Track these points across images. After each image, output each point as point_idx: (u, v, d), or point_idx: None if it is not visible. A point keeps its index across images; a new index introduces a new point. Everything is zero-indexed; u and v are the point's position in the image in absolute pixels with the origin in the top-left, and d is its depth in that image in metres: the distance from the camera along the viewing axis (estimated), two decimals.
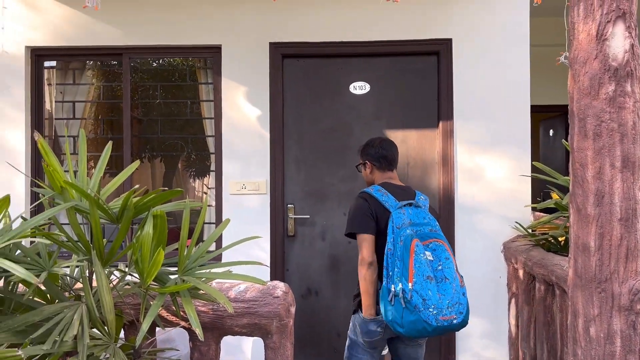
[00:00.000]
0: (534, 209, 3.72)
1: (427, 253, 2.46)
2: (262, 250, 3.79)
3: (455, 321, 2.39)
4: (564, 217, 3.17)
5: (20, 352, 1.37)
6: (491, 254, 3.73)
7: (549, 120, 7.05)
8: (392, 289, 2.40)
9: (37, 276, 1.51)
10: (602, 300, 2.09)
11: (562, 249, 3.21)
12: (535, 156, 6.67)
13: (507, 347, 3.68)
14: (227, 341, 3.62)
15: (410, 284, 2.36)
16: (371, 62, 3.91)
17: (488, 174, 3.77)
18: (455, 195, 3.78)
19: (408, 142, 3.88)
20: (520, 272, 3.40)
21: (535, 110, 5.98)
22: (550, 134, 7.02)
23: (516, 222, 3.57)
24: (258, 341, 3.66)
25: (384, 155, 2.77)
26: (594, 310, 2.11)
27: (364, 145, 2.89)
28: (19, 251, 1.69)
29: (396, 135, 3.88)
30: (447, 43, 3.80)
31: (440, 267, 2.46)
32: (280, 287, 2.20)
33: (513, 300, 3.58)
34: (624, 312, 2.06)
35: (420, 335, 2.40)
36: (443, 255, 2.48)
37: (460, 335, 3.73)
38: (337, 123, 3.91)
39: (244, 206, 3.83)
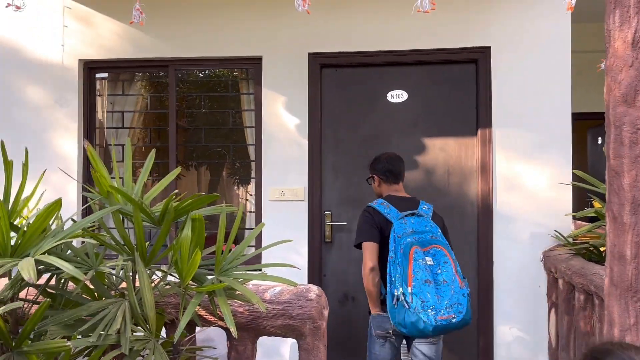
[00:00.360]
0: (574, 218, 3.67)
1: (428, 258, 2.67)
2: (300, 256, 3.87)
3: (454, 320, 2.58)
4: (605, 225, 3.12)
5: (69, 344, 1.48)
6: (531, 262, 3.69)
7: (597, 128, 6.88)
8: (395, 293, 2.63)
9: (85, 274, 1.62)
10: (638, 310, 2.06)
11: (602, 258, 3.16)
12: (583, 164, 6.54)
13: (546, 356, 3.63)
14: (265, 343, 3.71)
15: (409, 288, 2.59)
16: (409, 70, 3.95)
17: (528, 182, 3.74)
18: (494, 203, 3.76)
19: (446, 150, 3.90)
20: (560, 282, 3.35)
21: (584, 117, 5.87)
22: (599, 142, 6.85)
23: (556, 231, 3.53)
24: (295, 344, 3.73)
25: (389, 169, 3.01)
26: (630, 319, 2.08)
27: (372, 160, 3.11)
28: (69, 251, 1.82)
29: (434, 143, 3.90)
30: (485, 51, 3.80)
31: (439, 271, 2.67)
32: (313, 290, 2.27)
33: (553, 310, 3.53)
34: None
35: (422, 335, 2.61)
36: (442, 259, 2.70)
37: (499, 342, 3.70)
38: (375, 131, 3.97)
39: (282, 212, 3.92)
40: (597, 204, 3.34)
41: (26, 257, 1.53)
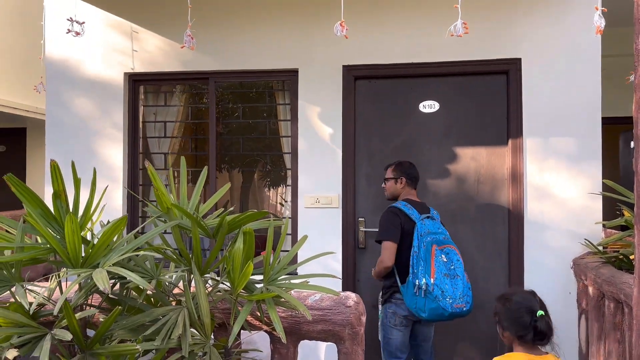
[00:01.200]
0: (604, 227, 3.72)
1: (442, 256, 3.17)
2: (335, 261, 4.01)
3: (464, 309, 3.12)
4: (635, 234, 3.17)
5: (138, 347, 1.65)
6: (561, 270, 3.76)
7: (629, 132, 6.85)
8: (417, 283, 3.11)
9: (149, 283, 1.79)
10: None
11: (632, 267, 3.21)
12: (615, 168, 6.52)
13: None
14: (302, 344, 3.86)
15: (432, 279, 3.09)
16: (441, 81, 4.05)
17: (558, 190, 3.80)
18: (525, 211, 3.84)
19: (478, 159, 3.99)
20: (590, 289, 3.42)
21: (616, 122, 5.87)
22: (631, 146, 6.82)
23: (586, 239, 3.59)
24: (331, 346, 3.87)
25: (415, 175, 3.49)
26: None
27: (397, 163, 3.53)
28: (131, 261, 1.99)
29: (465, 153, 3.99)
30: (516, 62, 3.88)
31: (452, 267, 3.17)
32: (352, 297, 2.40)
33: (583, 317, 3.60)
34: None
35: (439, 319, 3.15)
36: (455, 257, 3.20)
37: None
38: (407, 141, 4.08)
39: (317, 219, 4.07)
40: (627, 213, 3.39)
41: (98, 269, 1.70)
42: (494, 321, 2.39)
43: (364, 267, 4.09)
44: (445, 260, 3.17)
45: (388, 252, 3.25)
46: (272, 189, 4.56)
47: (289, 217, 4.25)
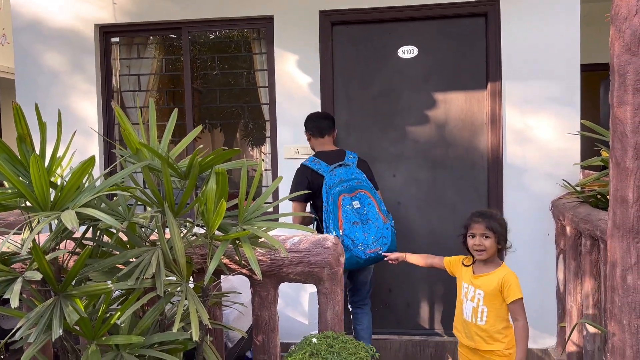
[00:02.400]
0: (582, 167, 3.75)
1: (355, 202, 3.20)
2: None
3: (380, 252, 3.17)
4: None
5: (110, 285, 1.63)
6: (540, 212, 3.80)
7: (609, 80, 6.84)
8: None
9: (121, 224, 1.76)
10: None
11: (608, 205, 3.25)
12: (595, 115, 6.54)
13: (554, 301, 3.77)
14: (286, 293, 3.90)
15: (340, 231, 3.15)
16: (418, 26, 3.98)
17: (537, 133, 3.81)
18: (504, 155, 3.84)
19: (457, 104, 3.96)
20: (568, 229, 3.46)
21: (595, 68, 5.85)
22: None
23: (564, 180, 3.62)
24: (313, 295, 3.91)
25: (318, 125, 3.47)
26: (632, 259, 2.19)
27: (305, 119, 3.56)
28: (103, 204, 1.96)
29: (445, 98, 3.96)
30: (494, 4, 3.82)
31: (365, 212, 3.20)
32: (330, 239, 2.40)
33: (561, 257, 3.66)
34: None
35: (356, 267, 3.21)
36: (366, 202, 3.22)
37: None
38: (386, 87, 4.03)
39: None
40: (604, 153, 3.41)
41: (66, 210, 1.67)
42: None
43: None
44: (358, 206, 3.20)
45: (294, 209, 3.36)
46: (253, 144, 4.51)
47: (269, 170, 4.22)
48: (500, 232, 2.55)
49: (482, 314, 2.55)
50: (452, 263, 2.82)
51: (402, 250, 3.96)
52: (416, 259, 2.96)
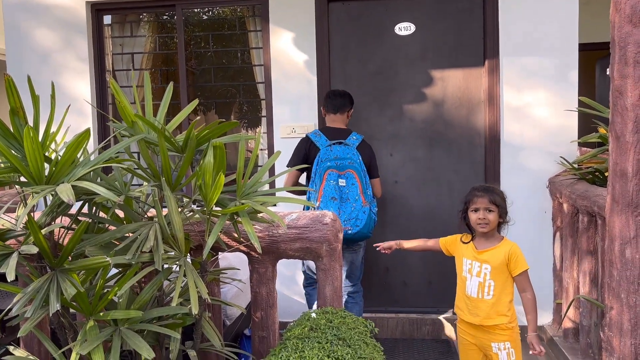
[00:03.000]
0: (580, 144, 3.74)
1: (341, 180, 3.28)
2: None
3: (349, 232, 3.23)
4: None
5: (108, 259, 1.61)
6: (537, 190, 3.79)
7: (606, 59, 6.82)
8: (310, 207, 3.24)
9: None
10: (638, 224, 2.17)
11: (606, 182, 3.24)
12: (591, 94, 6.52)
13: (551, 278, 3.78)
14: (282, 273, 3.89)
15: (318, 203, 3.25)
16: (415, 2, 3.93)
17: (534, 111, 3.79)
18: (502, 132, 3.83)
19: (454, 81, 3.93)
20: (565, 206, 3.46)
21: (592, 47, 5.82)
22: (607, 73, 6.81)
23: (561, 157, 3.61)
24: None
25: (333, 103, 3.50)
26: (630, 233, 2.20)
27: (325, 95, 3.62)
28: (99, 179, 1.93)
29: (442, 75, 3.93)
30: None
31: (347, 191, 3.27)
32: (328, 215, 2.38)
33: (558, 234, 3.66)
34: None
35: None
36: (351, 182, 3.28)
37: None
38: (383, 65, 3.99)
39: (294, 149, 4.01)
40: (602, 130, 3.40)
41: (62, 184, 1.64)
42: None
43: None
44: (342, 184, 3.28)
45: (288, 176, 3.44)
46: (248, 124, 4.47)
47: (265, 149, 4.19)
48: (502, 206, 2.59)
49: (489, 288, 2.57)
50: (449, 242, 2.82)
51: (399, 230, 3.97)
52: (411, 244, 2.94)
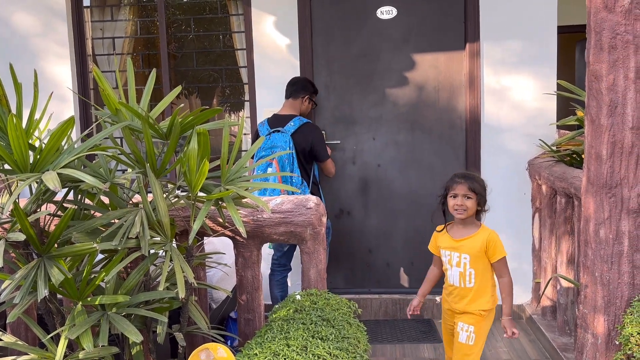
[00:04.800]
0: (558, 127, 3.81)
1: (270, 169, 3.36)
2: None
3: None
4: None
5: (95, 245, 1.63)
6: (517, 172, 3.87)
7: (585, 41, 6.88)
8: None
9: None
10: (612, 205, 2.24)
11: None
12: (571, 77, 6.60)
13: (530, 258, 3.88)
14: (267, 258, 3.93)
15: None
16: None
17: (514, 94, 3.84)
18: (482, 115, 3.88)
19: (436, 65, 3.97)
20: (544, 187, 3.54)
21: (572, 30, 5.88)
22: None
23: (540, 140, 3.68)
24: (294, 258, 3.95)
25: (286, 89, 3.61)
26: (604, 213, 2.27)
27: None
28: (83, 166, 1.94)
29: (424, 59, 3.96)
30: None
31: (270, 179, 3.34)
32: (312, 199, 2.42)
33: (537, 215, 3.75)
34: (632, 215, 2.22)
35: None
36: (274, 170, 3.36)
37: None
38: (365, 49, 4.01)
39: None
40: (580, 113, 3.46)
41: (47, 171, 1.65)
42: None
43: (326, 179, 4.11)
44: (269, 171, 3.38)
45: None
46: (231, 109, 4.47)
47: (248, 134, 4.20)
48: (481, 194, 2.58)
49: (470, 276, 2.57)
50: (432, 243, 2.77)
51: (382, 212, 4.02)
52: (427, 285, 2.81)
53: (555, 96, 3.78)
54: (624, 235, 2.23)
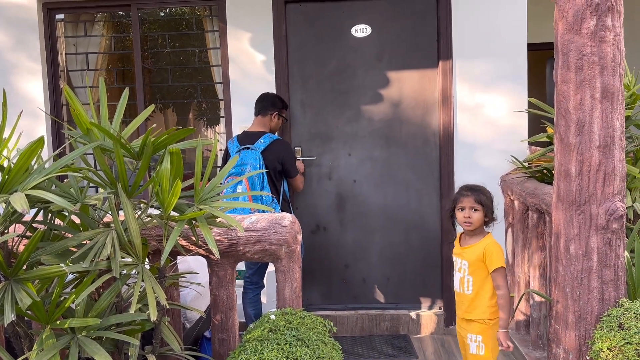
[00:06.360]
0: (529, 143, 3.88)
1: (240, 187, 3.41)
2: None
3: None
4: None
5: (64, 268, 1.60)
6: (490, 187, 3.81)
7: None
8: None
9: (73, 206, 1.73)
10: (581, 221, 2.29)
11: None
12: (542, 93, 6.74)
13: None
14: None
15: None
16: (372, 4, 4.00)
17: (487, 110, 3.91)
18: (455, 132, 3.94)
19: (410, 82, 4.02)
20: (516, 203, 3.59)
21: (543, 47, 6.01)
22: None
23: (512, 156, 3.74)
24: (270, 275, 3.93)
25: (255, 105, 3.65)
26: (574, 230, 2.31)
27: None
28: (54, 187, 1.91)
29: (398, 76, 4.01)
30: None
31: (239, 198, 3.33)
32: (287, 217, 2.42)
33: (510, 230, 3.80)
34: (600, 231, 2.26)
35: None
36: (244, 189, 3.40)
37: None
38: (341, 66, 4.05)
39: None
40: (550, 129, 3.54)
41: (15, 192, 1.62)
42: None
43: (302, 195, 4.12)
44: (239, 190, 3.42)
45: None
46: (207, 124, 4.45)
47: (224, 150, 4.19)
48: (488, 205, 2.67)
49: (468, 283, 2.66)
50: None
51: (358, 228, 4.04)
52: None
53: (527, 113, 3.86)
54: (593, 251, 2.28)
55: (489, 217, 2.69)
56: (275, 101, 3.61)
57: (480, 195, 2.67)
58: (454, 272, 2.77)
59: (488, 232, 2.74)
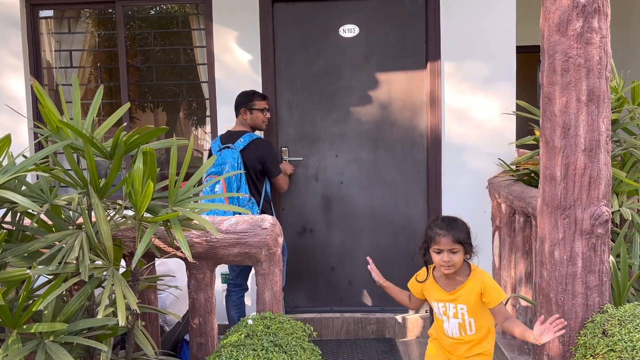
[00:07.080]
0: (517, 146, 3.85)
1: (217, 186, 3.37)
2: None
3: None
4: None
5: (29, 271, 1.55)
6: (477, 190, 3.88)
7: None
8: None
9: (41, 207, 1.67)
10: (566, 226, 2.25)
11: None
12: (532, 95, 6.72)
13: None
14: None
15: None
16: (359, 4, 3.95)
17: (475, 113, 3.87)
18: (443, 134, 3.90)
19: (397, 84, 3.98)
20: (503, 206, 3.56)
21: (534, 50, 5.99)
22: None
23: (499, 159, 3.71)
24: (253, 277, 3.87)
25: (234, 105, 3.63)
26: (559, 234, 2.27)
27: None
28: (23, 187, 1.85)
29: (386, 78, 3.97)
30: None
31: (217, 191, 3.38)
32: (268, 219, 2.37)
33: (497, 233, 3.76)
34: (585, 236, 2.22)
35: None
36: (217, 189, 3.39)
37: None
38: (328, 66, 4.00)
39: None
40: (537, 132, 3.50)
41: None
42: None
43: (288, 196, 4.07)
44: (217, 190, 3.38)
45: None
46: (197, 123, 4.39)
47: (206, 146, 4.13)
48: (467, 242, 2.35)
49: (470, 325, 2.37)
50: (415, 288, 2.53)
51: (344, 229, 3.99)
52: (392, 290, 2.62)
53: (515, 116, 3.83)
54: (577, 257, 2.24)
55: (469, 254, 2.37)
56: (239, 99, 3.60)
57: (458, 233, 2.31)
58: (447, 320, 2.38)
59: (469, 265, 2.42)
